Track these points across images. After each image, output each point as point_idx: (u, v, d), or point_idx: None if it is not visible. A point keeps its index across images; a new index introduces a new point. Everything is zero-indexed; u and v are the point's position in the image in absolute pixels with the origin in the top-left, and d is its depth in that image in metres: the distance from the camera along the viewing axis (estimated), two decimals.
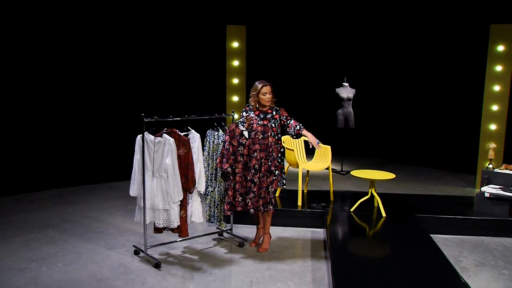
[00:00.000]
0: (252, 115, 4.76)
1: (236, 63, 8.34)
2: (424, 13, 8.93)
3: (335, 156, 9.21)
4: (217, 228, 5.25)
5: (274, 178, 4.68)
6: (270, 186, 4.67)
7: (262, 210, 4.70)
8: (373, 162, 9.36)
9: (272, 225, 5.48)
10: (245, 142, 4.62)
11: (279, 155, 4.78)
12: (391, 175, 5.54)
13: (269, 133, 4.64)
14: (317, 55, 10.09)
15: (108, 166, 7.70)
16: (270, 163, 4.61)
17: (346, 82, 8.46)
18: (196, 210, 4.68)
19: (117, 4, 7.65)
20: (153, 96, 8.05)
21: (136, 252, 4.73)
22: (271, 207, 4.73)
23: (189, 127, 4.69)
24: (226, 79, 8.28)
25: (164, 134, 4.42)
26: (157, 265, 4.40)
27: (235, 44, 8.30)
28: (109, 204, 6.47)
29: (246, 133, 4.63)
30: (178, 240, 4.90)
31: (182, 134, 4.56)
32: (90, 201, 6.64)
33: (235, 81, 8.33)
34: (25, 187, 7.00)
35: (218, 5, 8.53)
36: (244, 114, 4.82)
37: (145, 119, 4.36)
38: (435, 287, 3.76)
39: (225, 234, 5.31)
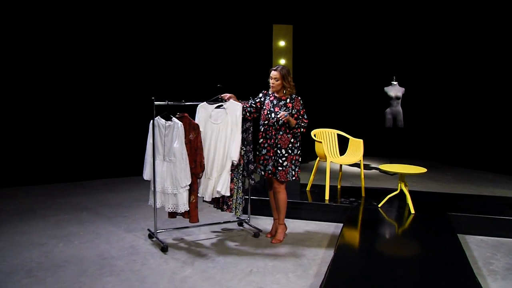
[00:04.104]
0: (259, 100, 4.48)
1: (282, 61, 7.91)
2: (476, 12, 7.92)
3: (385, 157, 8.45)
4: (237, 218, 4.87)
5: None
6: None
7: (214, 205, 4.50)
8: (426, 164, 8.34)
9: (297, 218, 5.03)
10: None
11: (290, 145, 4.22)
12: (421, 169, 4.81)
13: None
14: (365, 53, 9.33)
15: None
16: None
17: (395, 81, 7.73)
18: (227, 181, 4.26)
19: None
20: (204, 94, 7.82)
21: (150, 236, 4.46)
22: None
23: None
24: None
25: (174, 118, 4.11)
26: (163, 249, 4.09)
27: (282, 43, 7.89)
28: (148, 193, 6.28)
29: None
30: (189, 226, 4.56)
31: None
32: (132, 190, 6.52)
33: None
34: (81, 175, 7.08)
35: (265, 5, 8.16)
36: (260, 95, 4.47)
37: (155, 103, 4.10)
38: (440, 285, 3.05)
39: (244, 224, 4.89)
